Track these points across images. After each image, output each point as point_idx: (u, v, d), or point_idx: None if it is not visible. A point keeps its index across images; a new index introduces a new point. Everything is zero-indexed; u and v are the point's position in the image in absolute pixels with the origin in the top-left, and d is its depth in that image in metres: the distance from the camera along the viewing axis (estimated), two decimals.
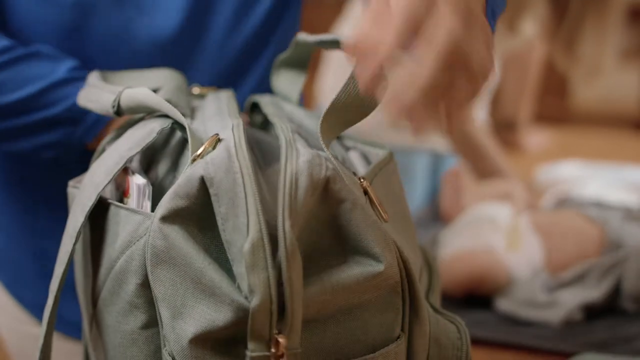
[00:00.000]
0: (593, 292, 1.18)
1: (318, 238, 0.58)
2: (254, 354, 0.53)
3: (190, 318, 0.55)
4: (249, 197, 0.54)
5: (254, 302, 0.52)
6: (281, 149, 0.57)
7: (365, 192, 0.63)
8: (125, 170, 0.67)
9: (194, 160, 0.58)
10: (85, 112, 0.83)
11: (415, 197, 1.84)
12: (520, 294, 1.20)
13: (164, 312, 0.57)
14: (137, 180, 0.64)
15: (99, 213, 0.64)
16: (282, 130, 0.62)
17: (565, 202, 1.46)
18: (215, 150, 0.57)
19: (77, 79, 0.83)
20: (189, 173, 0.56)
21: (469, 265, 1.22)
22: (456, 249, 1.28)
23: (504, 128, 2.06)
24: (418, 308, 0.62)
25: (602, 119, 4.22)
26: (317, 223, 0.57)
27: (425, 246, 0.75)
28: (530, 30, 1.60)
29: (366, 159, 0.74)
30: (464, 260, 1.24)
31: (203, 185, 0.56)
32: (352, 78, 0.61)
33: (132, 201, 0.64)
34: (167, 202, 0.56)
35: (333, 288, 0.57)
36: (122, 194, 0.67)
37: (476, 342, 1.07)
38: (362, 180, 0.63)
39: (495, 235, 1.28)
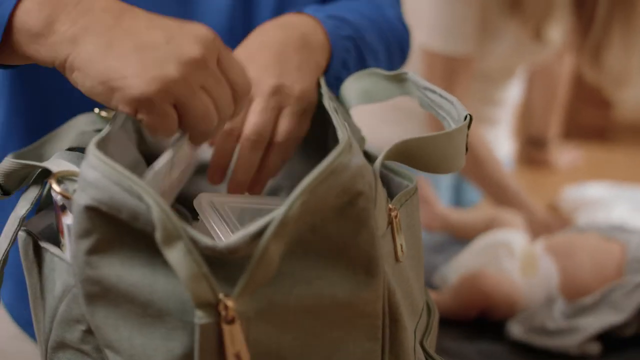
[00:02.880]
0: (616, 315, 1.13)
1: (320, 239, 0.56)
2: (202, 321, 0.51)
3: (144, 357, 0.53)
4: (136, 187, 0.52)
5: (181, 274, 0.50)
6: (340, 142, 0.57)
7: (390, 223, 0.62)
8: (60, 208, 0.65)
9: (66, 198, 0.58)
10: None
11: None
12: (535, 320, 1.16)
13: (114, 358, 0.54)
14: (67, 220, 0.62)
15: (39, 256, 0.63)
16: (342, 128, 0.63)
17: (588, 226, 1.43)
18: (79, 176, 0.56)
19: None
20: (74, 209, 0.55)
21: (482, 285, 1.19)
22: (468, 272, 1.25)
23: (533, 145, 2.03)
24: (399, 348, 0.61)
25: None
26: (326, 227, 0.56)
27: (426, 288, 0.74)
28: (557, 37, 1.58)
29: (387, 185, 0.73)
30: (477, 280, 1.21)
31: (95, 212, 0.54)
32: None
33: (66, 242, 0.63)
34: (76, 250, 0.55)
35: (315, 296, 0.55)
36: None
37: None
38: (392, 208, 0.62)
39: (510, 260, 1.25)
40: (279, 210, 0.52)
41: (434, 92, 0.74)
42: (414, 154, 0.65)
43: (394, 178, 0.72)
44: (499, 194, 1.58)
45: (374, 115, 1.73)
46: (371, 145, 0.83)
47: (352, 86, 0.85)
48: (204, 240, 0.52)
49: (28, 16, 0.63)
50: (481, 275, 1.21)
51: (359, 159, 0.57)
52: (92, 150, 0.55)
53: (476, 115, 1.73)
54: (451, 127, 0.69)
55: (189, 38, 0.61)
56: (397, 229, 0.64)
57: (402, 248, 0.65)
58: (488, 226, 1.38)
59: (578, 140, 2.36)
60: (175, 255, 0.50)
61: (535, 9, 1.53)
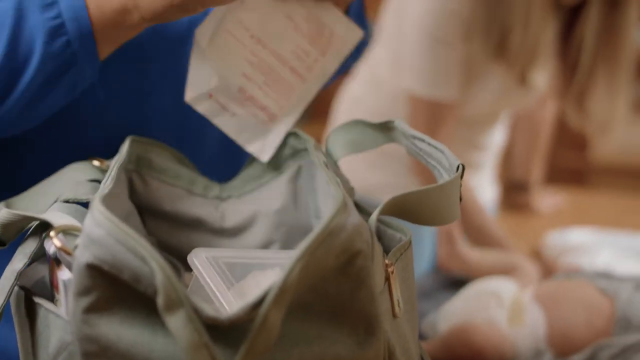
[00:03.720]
0: None
1: (319, 299, 0.56)
2: None
3: None
4: (141, 249, 0.52)
5: (182, 342, 0.50)
6: (335, 201, 0.58)
7: (387, 279, 0.62)
8: (54, 262, 0.65)
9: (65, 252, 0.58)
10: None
11: (422, 262, 1.82)
12: None
13: None
14: (63, 276, 0.62)
15: (32, 311, 0.63)
16: (335, 184, 0.64)
17: (575, 273, 1.43)
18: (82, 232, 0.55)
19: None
20: (75, 266, 0.54)
21: (472, 338, 1.19)
22: (458, 322, 1.25)
23: (515, 189, 2.04)
24: None
25: (623, 172, 4.21)
26: (326, 287, 0.56)
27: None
28: (542, 83, 1.60)
29: (382, 239, 0.73)
30: (466, 333, 1.21)
31: (96, 270, 0.54)
32: None
33: (61, 298, 0.62)
34: (74, 307, 0.54)
35: (315, 355, 0.55)
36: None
37: None
38: (388, 264, 0.63)
39: (499, 309, 1.25)
40: (278, 276, 0.51)
41: (422, 140, 0.75)
42: (408, 208, 0.65)
43: (387, 230, 0.72)
44: (482, 240, 1.59)
45: (362, 160, 1.74)
46: (360, 193, 0.83)
47: (338, 137, 0.86)
48: (206, 309, 0.51)
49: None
50: (471, 328, 1.21)
51: (355, 218, 0.57)
52: (97, 206, 0.55)
53: (460, 160, 1.74)
54: (443, 177, 0.69)
55: None
56: (394, 284, 0.64)
57: (399, 303, 0.65)
58: (506, 272, 1.38)
59: (558, 184, 2.38)
60: (177, 322, 0.50)
61: (520, 55, 1.55)
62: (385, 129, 0.81)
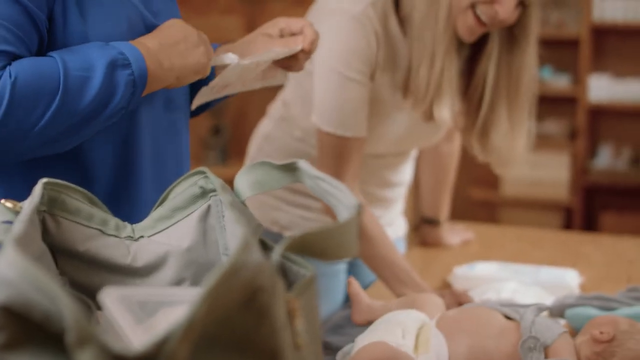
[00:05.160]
0: None
1: (224, 333, 0.59)
2: None
3: None
4: (51, 290, 0.54)
5: None
6: (239, 240, 0.59)
7: (290, 313, 0.65)
8: None
9: None
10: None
11: (338, 295, 1.85)
12: None
13: None
14: None
15: None
16: (240, 224, 0.66)
17: (481, 303, 1.49)
18: None
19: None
20: None
21: (379, 352, 1.23)
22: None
23: (425, 225, 2.08)
24: None
25: (530, 206, 4.33)
26: (231, 322, 0.59)
27: None
28: (447, 118, 1.64)
29: (286, 274, 0.76)
30: (374, 348, 1.24)
31: (7, 311, 0.56)
32: None
33: None
34: None
35: None
36: None
37: None
38: (292, 299, 0.65)
39: (405, 338, 1.29)
40: (184, 313, 0.54)
41: (324, 180, 0.79)
42: (309, 246, 0.69)
43: (293, 267, 0.76)
44: (391, 274, 1.62)
45: (274, 196, 1.77)
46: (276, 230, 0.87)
47: (245, 178, 0.90)
48: (115, 345, 0.54)
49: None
50: (379, 346, 1.25)
51: (257, 256, 0.60)
52: (9, 248, 0.57)
53: (370, 196, 1.79)
54: (342, 215, 0.73)
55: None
56: (297, 318, 0.67)
57: (301, 336, 0.67)
58: (414, 307, 1.41)
59: (471, 219, 2.44)
60: (86, 358, 0.52)
61: (426, 91, 1.60)
62: (289, 169, 0.85)
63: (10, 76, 1.03)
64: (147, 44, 1.17)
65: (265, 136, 1.84)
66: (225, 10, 4.79)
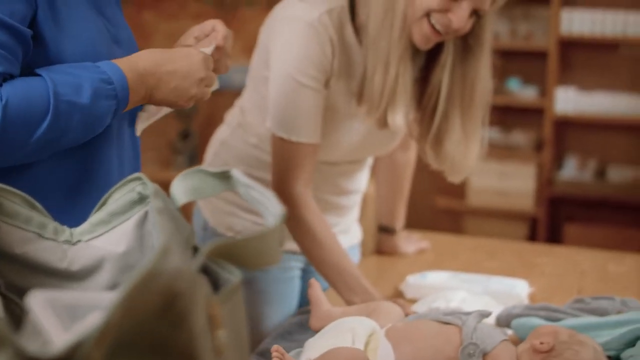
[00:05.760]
0: None
1: (142, 339, 0.59)
2: None
3: None
4: None
5: None
6: (158, 246, 0.60)
7: (211, 318, 0.65)
8: None
9: None
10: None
11: (293, 301, 1.86)
12: None
13: None
14: None
15: None
16: (161, 229, 0.66)
17: (428, 312, 1.51)
18: None
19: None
20: None
21: (349, 355, 1.25)
22: (319, 355, 1.30)
23: (381, 233, 2.10)
24: None
25: (499, 213, 4.37)
26: (148, 327, 0.59)
27: None
28: (400, 123, 1.66)
29: (215, 279, 0.77)
30: (343, 351, 1.26)
31: None
32: None
33: None
34: None
35: None
36: None
37: None
38: (213, 304, 0.66)
39: (354, 344, 1.31)
40: (99, 318, 0.55)
41: (254, 189, 0.80)
42: (231, 253, 0.70)
43: (222, 272, 0.77)
44: (341, 281, 1.63)
45: (229, 202, 1.78)
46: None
47: (180, 185, 0.91)
48: (31, 347, 0.55)
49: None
50: (333, 352, 1.26)
51: (176, 262, 0.61)
52: None
53: (325, 204, 1.80)
54: (269, 223, 0.74)
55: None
56: (218, 323, 0.68)
57: (223, 342, 0.68)
58: (368, 315, 1.43)
59: (434, 227, 2.45)
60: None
61: (381, 98, 1.62)
62: (223, 177, 0.87)
63: (1, 99, 1.07)
64: (141, 66, 1.23)
65: (222, 142, 1.85)
66: (197, 16, 4.79)
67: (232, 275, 0.76)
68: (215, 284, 0.77)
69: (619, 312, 1.52)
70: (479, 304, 1.61)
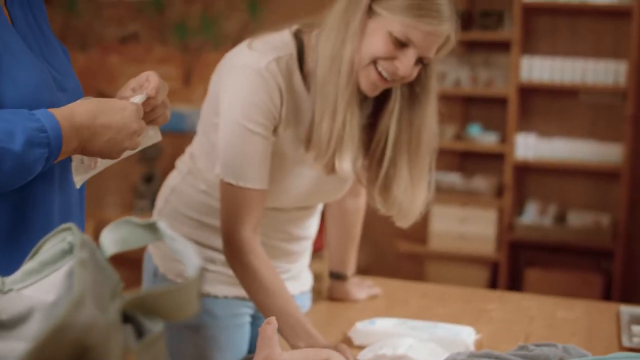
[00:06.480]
0: None
1: None
2: None
3: None
4: None
5: None
6: (70, 299, 0.61)
7: None
8: None
9: None
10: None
11: (243, 346, 1.87)
12: None
13: None
14: None
15: None
16: (77, 281, 0.67)
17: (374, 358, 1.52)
18: None
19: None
20: None
21: None
22: None
23: (333, 279, 2.10)
24: None
25: (460, 258, 4.39)
26: None
27: None
28: (347, 169, 1.68)
29: (139, 328, 0.78)
30: None
31: None
32: None
33: None
34: None
35: None
36: None
37: None
38: (130, 355, 0.67)
39: None
40: None
41: (176, 240, 0.82)
42: (147, 305, 0.71)
43: (145, 322, 0.78)
44: (286, 325, 1.62)
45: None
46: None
47: (109, 235, 0.92)
48: None
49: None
50: None
51: (90, 314, 0.62)
52: None
53: (275, 250, 1.82)
54: (189, 274, 0.75)
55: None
56: None
57: None
58: None
59: (396, 272, 2.45)
60: None
61: (328, 143, 1.65)
62: (151, 229, 0.88)
63: None
64: (77, 117, 1.25)
65: (172, 189, 1.86)
66: (163, 60, 4.83)
67: (155, 325, 0.77)
68: (140, 333, 0.78)
69: (560, 359, 1.53)
70: (425, 351, 1.62)
